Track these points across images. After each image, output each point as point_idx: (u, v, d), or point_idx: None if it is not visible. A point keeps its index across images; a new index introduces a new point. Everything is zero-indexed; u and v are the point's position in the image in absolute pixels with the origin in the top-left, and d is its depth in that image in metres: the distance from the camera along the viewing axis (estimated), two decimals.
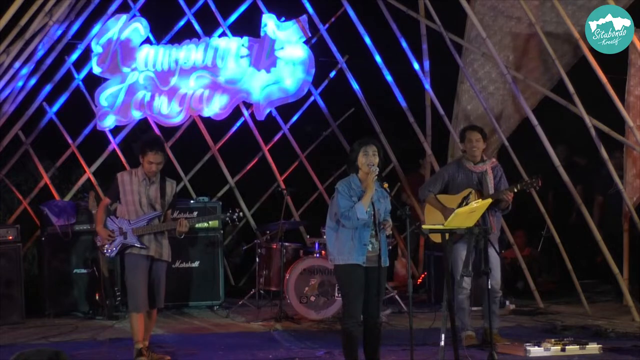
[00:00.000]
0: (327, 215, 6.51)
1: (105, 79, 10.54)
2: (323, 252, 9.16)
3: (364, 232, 6.32)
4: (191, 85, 10.39)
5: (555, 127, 9.73)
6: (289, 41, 10.30)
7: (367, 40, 10.70)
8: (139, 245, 7.16)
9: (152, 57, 10.45)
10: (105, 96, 10.49)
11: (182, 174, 11.31)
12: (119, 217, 7.25)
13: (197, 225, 9.71)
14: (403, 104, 10.68)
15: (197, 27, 11.00)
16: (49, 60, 10.46)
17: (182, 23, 11.06)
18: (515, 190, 7.57)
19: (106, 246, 7.24)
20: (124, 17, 10.54)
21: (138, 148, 7.32)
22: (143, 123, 10.85)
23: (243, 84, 10.35)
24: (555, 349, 7.22)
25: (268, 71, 10.29)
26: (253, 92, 10.36)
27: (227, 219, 7.80)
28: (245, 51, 10.33)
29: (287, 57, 10.28)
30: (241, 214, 7.80)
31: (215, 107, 10.40)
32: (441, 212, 7.61)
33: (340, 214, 6.32)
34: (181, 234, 7.36)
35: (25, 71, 10.12)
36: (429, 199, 7.79)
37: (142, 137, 7.82)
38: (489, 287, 7.07)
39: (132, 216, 7.20)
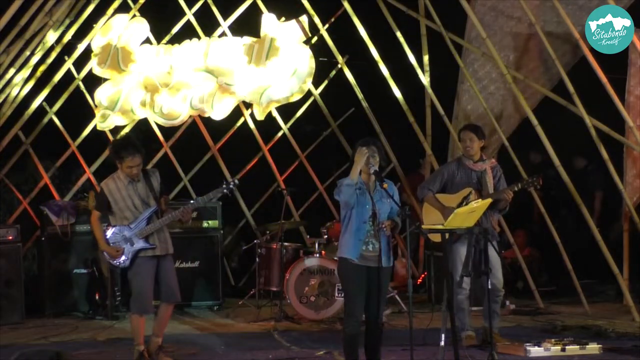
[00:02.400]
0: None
1: (105, 79, 10.55)
2: (323, 252, 9.17)
3: (362, 228, 6.31)
4: (191, 86, 10.39)
5: (555, 127, 9.72)
6: (288, 41, 10.29)
7: (367, 40, 10.70)
8: (148, 247, 7.09)
9: (152, 57, 10.46)
10: (106, 96, 10.50)
11: (182, 174, 11.31)
12: (116, 226, 7.13)
13: (197, 225, 9.73)
14: (403, 104, 10.68)
15: (197, 27, 11.00)
16: (48, 61, 10.47)
17: (182, 23, 11.06)
18: (516, 189, 7.57)
19: (116, 260, 7.12)
20: (124, 17, 10.55)
21: (112, 154, 7.15)
22: (143, 123, 10.85)
23: (243, 84, 10.34)
24: (555, 349, 7.22)
25: (268, 71, 10.28)
26: (253, 91, 10.35)
27: (226, 191, 7.43)
28: (245, 52, 10.34)
29: (287, 57, 10.28)
30: (236, 180, 7.54)
31: (216, 107, 10.40)
32: (440, 212, 7.60)
33: (336, 190, 6.32)
34: (186, 222, 7.30)
35: (25, 71, 10.13)
36: (427, 198, 7.77)
37: (113, 142, 7.59)
38: (490, 286, 7.06)
39: (130, 220, 7.11)
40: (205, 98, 10.37)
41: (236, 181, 7.54)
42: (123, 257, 7.10)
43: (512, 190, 7.54)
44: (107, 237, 7.14)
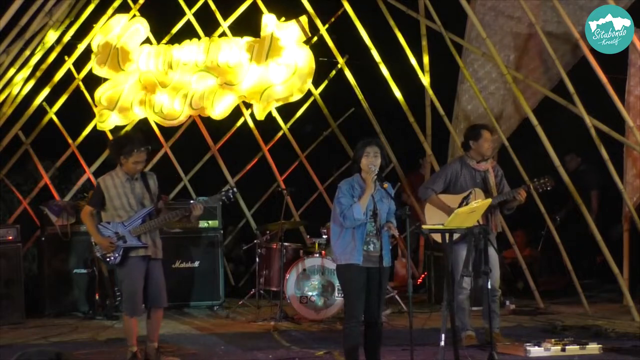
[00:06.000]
0: (332, 216, 6.50)
1: (105, 79, 10.55)
2: (323, 252, 9.16)
3: (364, 232, 6.31)
4: (191, 86, 10.40)
5: (555, 127, 9.72)
6: (288, 41, 10.29)
7: (367, 40, 10.70)
8: (140, 245, 7.05)
9: (152, 57, 10.46)
10: (105, 96, 10.50)
11: (182, 174, 11.31)
12: (109, 222, 7.07)
13: (197, 225, 9.72)
14: (403, 104, 10.68)
15: (197, 27, 11.00)
16: (49, 60, 10.47)
17: (182, 23, 11.06)
18: (529, 188, 7.56)
19: (108, 255, 7.08)
20: (124, 17, 10.56)
21: (118, 149, 7.08)
22: (143, 123, 10.85)
23: (243, 84, 10.34)
24: (555, 349, 7.21)
25: (268, 70, 10.28)
26: (253, 90, 10.35)
27: (224, 197, 7.35)
28: (245, 52, 10.34)
29: (287, 57, 10.27)
30: (235, 189, 7.46)
31: (216, 106, 10.40)
32: (446, 213, 7.48)
33: (339, 211, 6.32)
34: (197, 218, 7.29)
35: (25, 71, 10.13)
36: (431, 199, 7.72)
37: (120, 138, 7.58)
38: (489, 286, 7.06)
39: (124, 219, 7.07)
40: (206, 96, 10.37)
41: (235, 190, 7.44)
42: (115, 254, 7.04)
43: (524, 189, 7.53)
44: (100, 231, 7.08)
